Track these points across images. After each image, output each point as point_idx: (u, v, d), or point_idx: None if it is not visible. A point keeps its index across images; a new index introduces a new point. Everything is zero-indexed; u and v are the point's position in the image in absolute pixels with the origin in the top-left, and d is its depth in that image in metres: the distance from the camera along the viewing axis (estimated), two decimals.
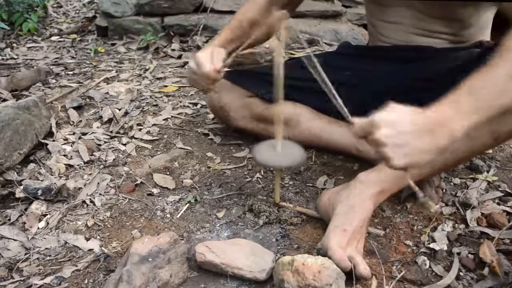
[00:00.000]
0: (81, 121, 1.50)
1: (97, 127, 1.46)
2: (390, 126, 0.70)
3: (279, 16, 0.83)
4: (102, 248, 0.94)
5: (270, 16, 1.13)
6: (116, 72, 2.02)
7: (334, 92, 0.78)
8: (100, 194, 1.11)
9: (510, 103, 0.70)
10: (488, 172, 1.13)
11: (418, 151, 0.70)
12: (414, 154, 0.70)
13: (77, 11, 3.25)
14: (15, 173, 1.17)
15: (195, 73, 1.08)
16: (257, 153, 0.94)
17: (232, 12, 2.36)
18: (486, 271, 0.81)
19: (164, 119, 1.51)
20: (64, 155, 1.27)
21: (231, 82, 1.26)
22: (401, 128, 0.70)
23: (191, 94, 1.74)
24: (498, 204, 1.02)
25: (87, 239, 0.96)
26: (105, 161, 1.26)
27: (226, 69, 1.06)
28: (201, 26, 2.33)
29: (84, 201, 1.08)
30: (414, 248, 0.90)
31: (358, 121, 0.74)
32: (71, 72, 2.04)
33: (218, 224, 1.00)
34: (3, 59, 2.23)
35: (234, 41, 1.13)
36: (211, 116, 1.49)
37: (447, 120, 0.70)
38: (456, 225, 0.96)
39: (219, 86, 1.28)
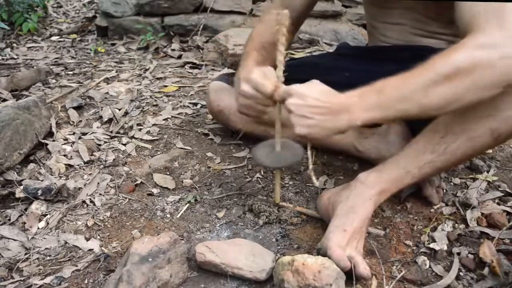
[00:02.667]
0: (81, 121, 1.50)
1: (97, 127, 1.46)
2: (301, 98, 0.80)
3: (277, 16, 0.84)
4: (102, 248, 0.94)
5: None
6: (116, 72, 2.02)
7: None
8: (100, 194, 1.11)
9: (412, 111, 0.76)
10: (488, 172, 1.13)
11: (318, 126, 0.79)
12: (314, 128, 0.79)
13: (77, 11, 3.25)
14: (15, 173, 1.17)
15: (251, 96, 0.94)
16: (256, 153, 0.95)
17: (232, 12, 2.36)
18: (486, 271, 0.81)
19: (164, 119, 1.51)
20: (64, 155, 1.27)
21: (230, 85, 1.26)
22: (310, 102, 0.79)
23: (191, 94, 1.74)
24: (498, 204, 1.02)
25: (87, 239, 0.96)
26: (105, 161, 1.26)
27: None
28: (201, 26, 2.34)
29: (84, 201, 1.08)
30: (414, 248, 0.90)
31: (282, 87, 0.85)
32: (71, 72, 2.04)
33: (218, 224, 1.00)
34: (3, 59, 2.23)
35: (264, 63, 1.05)
36: (211, 116, 1.49)
37: (351, 108, 0.78)
38: (456, 225, 0.96)
39: (217, 89, 1.28)
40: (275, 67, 0.91)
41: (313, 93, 0.80)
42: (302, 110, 0.79)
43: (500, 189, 1.07)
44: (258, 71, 0.94)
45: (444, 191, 1.05)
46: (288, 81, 0.89)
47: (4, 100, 1.62)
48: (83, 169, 1.22)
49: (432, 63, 0.75)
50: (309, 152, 0.86)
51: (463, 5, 0.79)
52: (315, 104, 0.79)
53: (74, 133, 1.40)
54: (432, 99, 0.74)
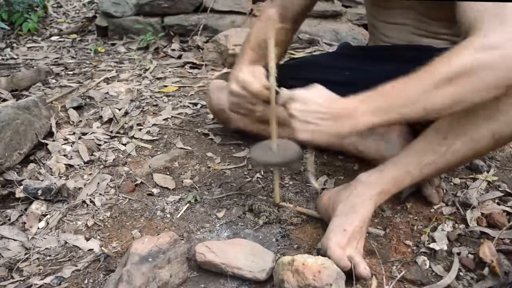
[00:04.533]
0: (81, 121, 1.50)
1: (97, 127, 1.46)
2: (304, 103, 0.80)
3: (269, 17, 0.84)
4: (102, 248, 0.94)
5: (284, 33, 1.14)
6: (116, 72, 2.02)
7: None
8: (100, 194, 1.11)
9: (415, 114, 0.76)
10: (488, 172, 1.13)
11: (321, 132, 0.79)
12: (317, 133, 0.79)
13: (77, 11, 3.25)
14: (15, 173, 1.17)
15: (240, 95, 0.99)
16: (253, 153, 0.95)
17: (232, 12, 2.36)
18: (486, 271, 0.81)
19: (164, 119, 1.51)
20: (64, 155, 1.27)
21: None
22: (313, 107, 0.79)
23: (191, 94, 1.74)
24: (498, 204, 1.02)
25: (87, 239, 0.96)
26: (105, 161, 1.26)
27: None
28: (201, 26, 2.34)
29: (84, 201, 1.08)
30: (414, 248, 0.90)
31: (284, 92, 0.84)
32: (71, 72, 2.04)
33: (218, 224, 1.00)
34: (3, 59, 2.23)
35: (259, 61, 1.08)
36: (211, 116, 1.49)
37: (355, 112, 0.78)
38: (456, 225, 0.96)
39: (218, 87, 1.28)
40: (266, 67, 0.91)
41: (316, 98, 0.80)
42: (305, 116, 0.79)
43: (500, 189, 1.07)
44: (246, 70, 0.99)
45: (444, 191, 1.05)
46: (288, 80, 0.89)
47: (4, 100, 1.62)
48: (83, 169, 1.22)
49: (433, 65, 0.75)
50: (309, 156, 0.87)
51: (464, 6, 0.79)
52: (318, 110, 0.79)
53: (74, 133, 1.40)
54: (435, 101, 0.74)
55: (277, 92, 0.89)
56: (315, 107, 0.79)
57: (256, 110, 1.02)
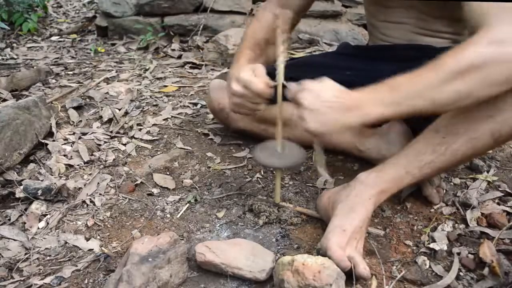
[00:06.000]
0: (81, 121, 1.50)
1: (97, 127, 1.46)
2: (314, 94, 0.80)
3: (276, 18, 0.85)
4: (102, 248, 0.94)
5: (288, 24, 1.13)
6: (116, 72, 2.02)
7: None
8: (100, 194, 1.11)
9: (424, 107, 0.77)
10: (488, 172, 1.13)
11: (330, 122, 0.79)
12: (326, 123, 0.79)
13: (77, 11, 3.25)
14: (15, 173, 1.17)
15: (242, 95, 0.96)
16: (258, 154, 0.95)
17: (232, 12, 2.36)
18: (486, 271, 0.81)
19: (164, 119, 1.51)
20: (64, 155, 1.27)
21: None
22: (324, 98, 0.79)
23: (191, 94, 1.74)
24: (498, 204, 1.02)
25: (87, 239, 0.96)
26: (105, 161, 1.26)
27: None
28: (201, 26, 2.34)
29: (84, 201, 1.08)
30: (414, 248, 0.90)
31: (292, 84, 0.84)
32: (71, 72, 2.04)
33: (218, 224, 1.00)
34: (3, 59, 2.23)
35: (257, 60, 1.09)
36: (211, 116, 1.49)
37: (364, 104, 0.78)
38: (456, 225, 0.96)
39: (218, 87, 1.28)
40: (269, 67, 0.91)
41: (327, 89, 0.80)
42: (316, 105, 0.79)
43: (500, 189, 1.07)
44: (247, 69, 0.97)
45: (444, 191, 1.05)
46: (288, 80, 0.89)
47: (4, 100, 1.62)
48: (83, 169, 1.22)
49: (444, 60, 0.75)
50: (317, 151, 0.87)
51: (472, 3, 0.79)
52: (328, 99, 0.79)
53: (74, 133, 1.40)
54: (444, 95, 0.75)
55: (284, 86, 0.88)
56: (326, 96, 0.79)
57: (259, 109, 1.00)
